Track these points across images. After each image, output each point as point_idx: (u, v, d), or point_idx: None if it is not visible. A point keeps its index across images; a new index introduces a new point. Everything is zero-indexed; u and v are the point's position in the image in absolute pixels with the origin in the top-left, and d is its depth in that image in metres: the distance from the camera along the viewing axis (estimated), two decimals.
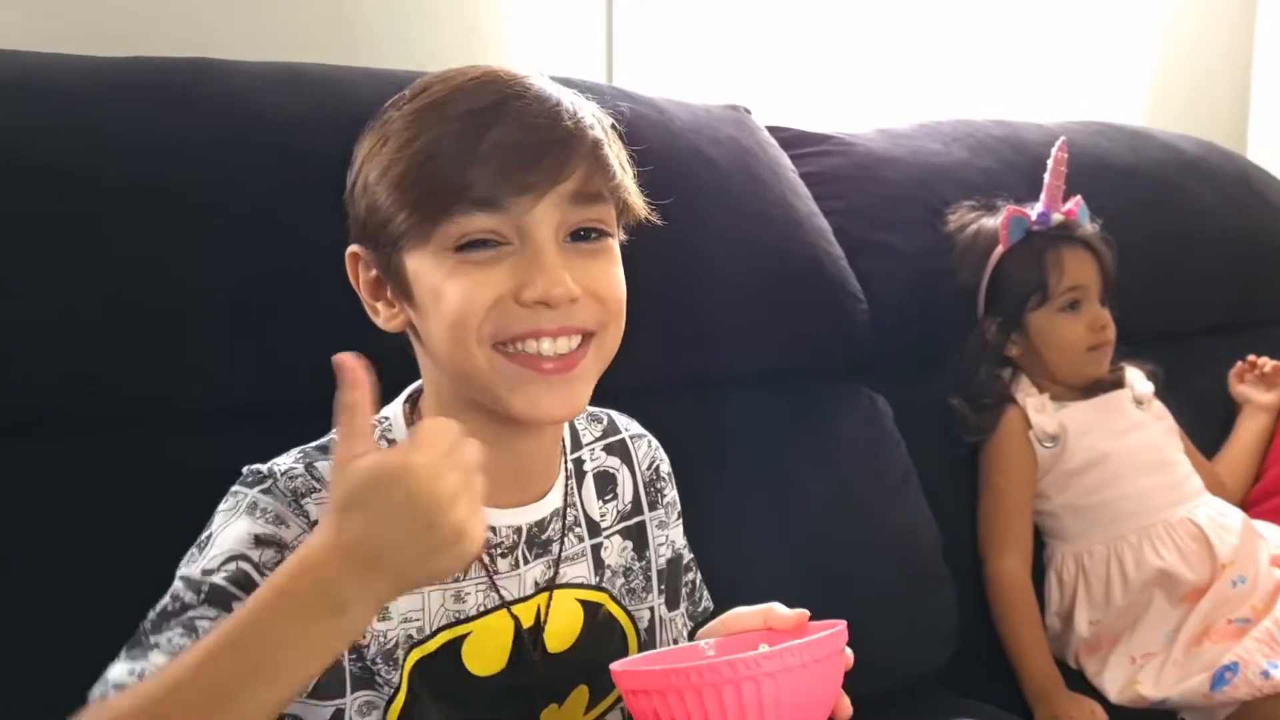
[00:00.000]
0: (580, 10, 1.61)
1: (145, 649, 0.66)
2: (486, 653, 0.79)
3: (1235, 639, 1.27)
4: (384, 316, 0.77)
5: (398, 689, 0.76)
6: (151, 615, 0.69)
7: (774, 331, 1.28)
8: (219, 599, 0.68)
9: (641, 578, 0.89)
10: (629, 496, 0.89)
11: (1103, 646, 1.36)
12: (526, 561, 0.80)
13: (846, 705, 0.75)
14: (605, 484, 0.88)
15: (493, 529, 0.79)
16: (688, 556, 0.97)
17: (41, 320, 0.89)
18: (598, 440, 0.89)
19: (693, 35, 1.71)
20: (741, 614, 0.78)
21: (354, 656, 0.74)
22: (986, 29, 2.00)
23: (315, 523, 0.71)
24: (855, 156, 1.50)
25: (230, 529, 0.71)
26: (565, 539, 0.83)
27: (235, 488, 0.74)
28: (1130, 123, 1.95)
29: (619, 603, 0.87)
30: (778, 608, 0.77)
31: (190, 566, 0.70)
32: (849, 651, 0.74)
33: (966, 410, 1.41)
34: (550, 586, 0.82)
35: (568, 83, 1.09)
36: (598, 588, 0.85)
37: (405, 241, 0.72)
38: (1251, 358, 1.67)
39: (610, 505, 0.88)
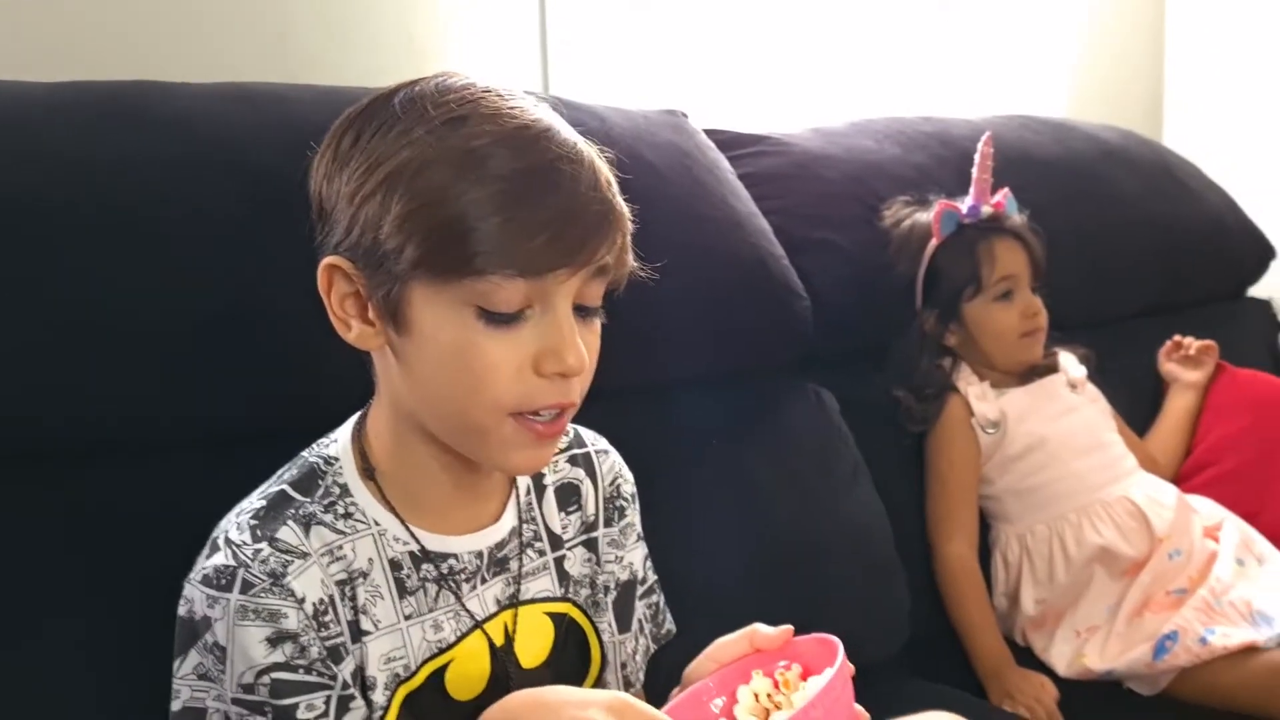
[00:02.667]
0: (515, 21, 1.62)
1: None
2: (468, 678, 0.80)
3: (1174, 609, 1.33)
4: (356, 333, 0.74)
5: (385, 717, 0.77)
6: None
7: (720, 332, 1.29)
8: (283, 714, 0.71)
9: (601, 591, 0.90)
10: (591, 510, 0.89)
11: (1048, 622, 1.41)
12: (485, 581, 0.81)
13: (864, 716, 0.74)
14: (568, 496, 0.88)
15: (456, 556, 0.80)
16: (651, 579, 0.95)
17: None
18: (562, 453, 0.89)
19: (626, 42, 1.73)
20: (726, 643, 0.77)
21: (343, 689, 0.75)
22: (913, 28, 2.04)
23: (304, 598, 0.72)
24: (792, 156, 1.53)
25: (239, 643, 0.71)
26: (524, 556, 0.84)
27: (210, 592, 0.72)
28: (1053, 115, 2.00)
29: (585, 613, 0.88)
30: (761, 628, 0.76)
31: (220, 680, 0.72)
32: (850, 665, 0.73)
33: (910, 401, 1.45)
34: (513, 604, 0.83)
35: None
36: (563, 599, 0.86)
37: (418, 278, 0.70)
38: (1178, 338, 1.73)
39: (574, 516, 0.88)
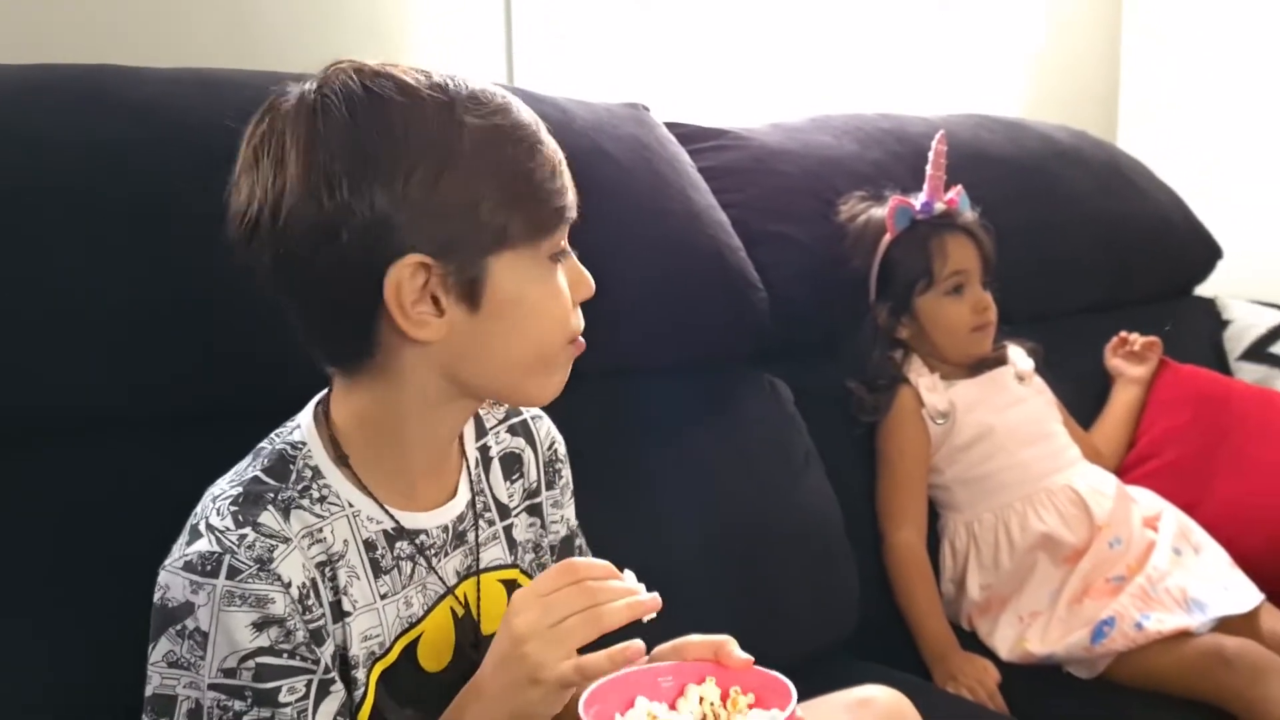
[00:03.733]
0: (480, 13, 1.63)
1: None
2: (437, 648, 0.83)
3: (1112, 595, 1.37)
4: (432, 329, 0.75)
5: (364, 695, 0.79)
6: None
7: (678, 322, 1.32)
8: (264, 698, 0.73)
9: (546, 552, 0.94)
10: (534, 475, 0.93)
11: (993, 608, 1.44)
12: (447, 554, 0.84)
13: None
14: (512, 464, 0.92)
15: (426, 532, 0.83)
16: (579, 536, 1.00)
17: None
18: (501, 423, 0.93)
19: (590, 34, 1.74)
20: (696, 643, 0.80)
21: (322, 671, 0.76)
22: (874, 27, 2.07)
23: (290, 582, 0.74)
24: (751, 150, 1.55)
25: (224, 628, 0.72)
26: (478, 526, 0.87)
27: (194, 578, 0.73)
28: (1008, 115, 2.04)
29: (530, 577, 0.91)
30: (731, 646, 0.79)
31: (194, 667, 0.72)
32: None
33: (863, 392, 1.48)
34: (472, 573, 0.86)
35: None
36: (513, 566, 0.90)
37: (510, 248, 0.76)
38: (1124, 334, 1.77)
39: (517, 485, 0.92)
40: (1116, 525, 1.42)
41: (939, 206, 1.49)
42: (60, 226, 0.93)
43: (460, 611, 0.85)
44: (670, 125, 1.49)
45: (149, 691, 0.75)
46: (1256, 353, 1.93)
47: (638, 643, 0.73)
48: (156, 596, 0.75)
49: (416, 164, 0.72)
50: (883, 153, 1.64)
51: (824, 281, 1.50)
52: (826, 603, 1.36)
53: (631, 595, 0.73)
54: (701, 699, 0.77)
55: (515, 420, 0.94)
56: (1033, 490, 1.46)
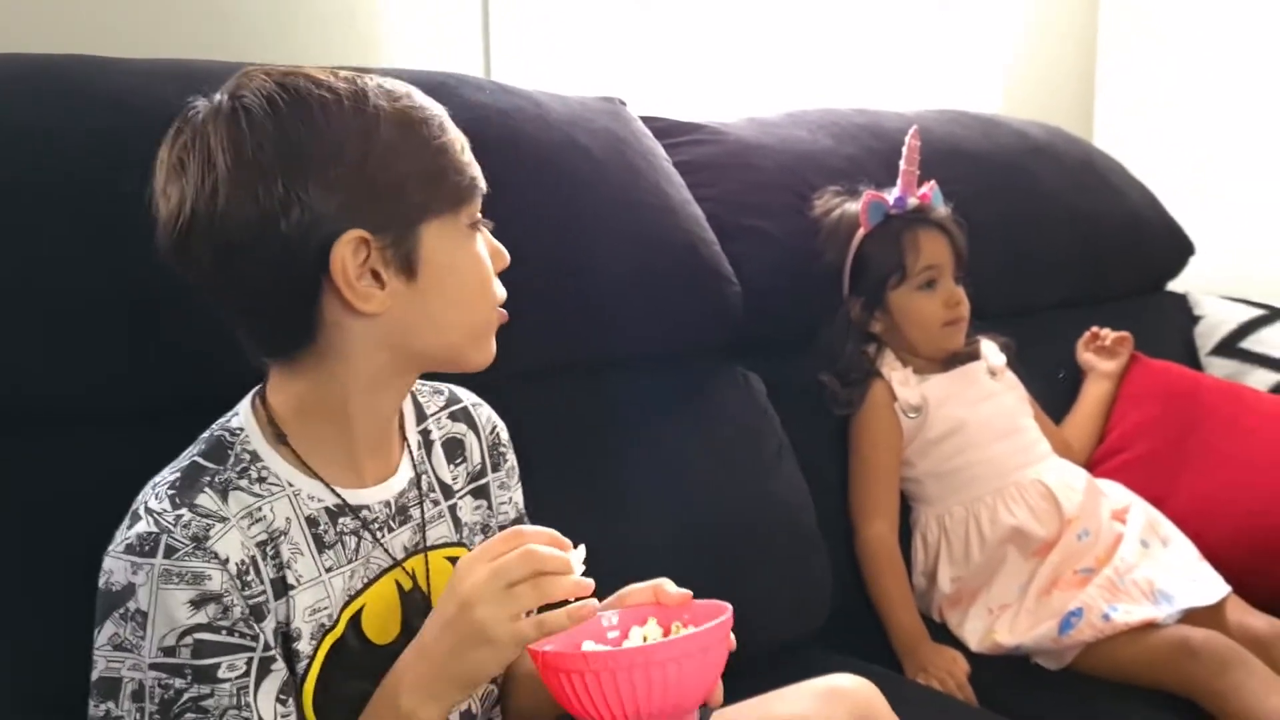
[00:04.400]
0: (458, 5, 1.63)
1: None
2: (383, 620, 0.85)
3: (1080, 587, 1.38)
4: (378, 301, 0.79)
5: (308, 669, 0.81)
6: (146, 708, 0.74)
7: (652, 315, 1.33)
8: (203, 675, 0.75)
9: (495, 534, 0.95)
10: (477, 459, 0.97)
11: (963, 600, 1.46)
12: (392, 529, 0.87)
13: (719, 694, 0.83)
14: (454, 449, 0.96)
15: (369, 507, 0.86)
16: (526, 520, 1.02)
17: None
18: (442, 410, 0.97)
19: (567, 28, 1.74)
20: (634, 590, 0.87)
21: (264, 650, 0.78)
22: (850, 22, 2.08)
23: (227, 559, 0.76)
24: (726, 145, 1.56)
25: (163, 606, 0.74)
26: (424, 504, 0.91)
27: (133, 559, 0.75)
28: (983, 111, 2.06)
29: None
30: (666, 585, 0.86)
31: (137, 648, 0.74)
32: (732, 637, 0.81)
33: (835, 385, 1.49)
34: (420, 550, 0.89)
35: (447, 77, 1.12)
36: (459, 544, 0.93)
37: (434, 218, 0.81)
38: (1095, 329, 1.79)
39: (461, 469, 0.96)
40: (1085, 518, 1.44)
41: (912, 201, 1.51)
42: (33, 217, 0.93)
43: (408, 585, 0.87)
44: (646, 119, 1.50)
45: (94, 676, 0.77)
46: (1227, 348, 1.96)
47: (593, 602, 0.76)
48: (101, 582, 0.77)
49: (342, 150, 0.77)
50: (858, 148, 1.65)
51: (798, 275, 1.50)
52: (798, 594, 1.37)
53: (573, 566, 0.77)
54: (645, 638, 0.82)
55: (456, 407, 0.98)
56: (1003, 484, 1.48)
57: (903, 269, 1.48)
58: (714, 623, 0.78)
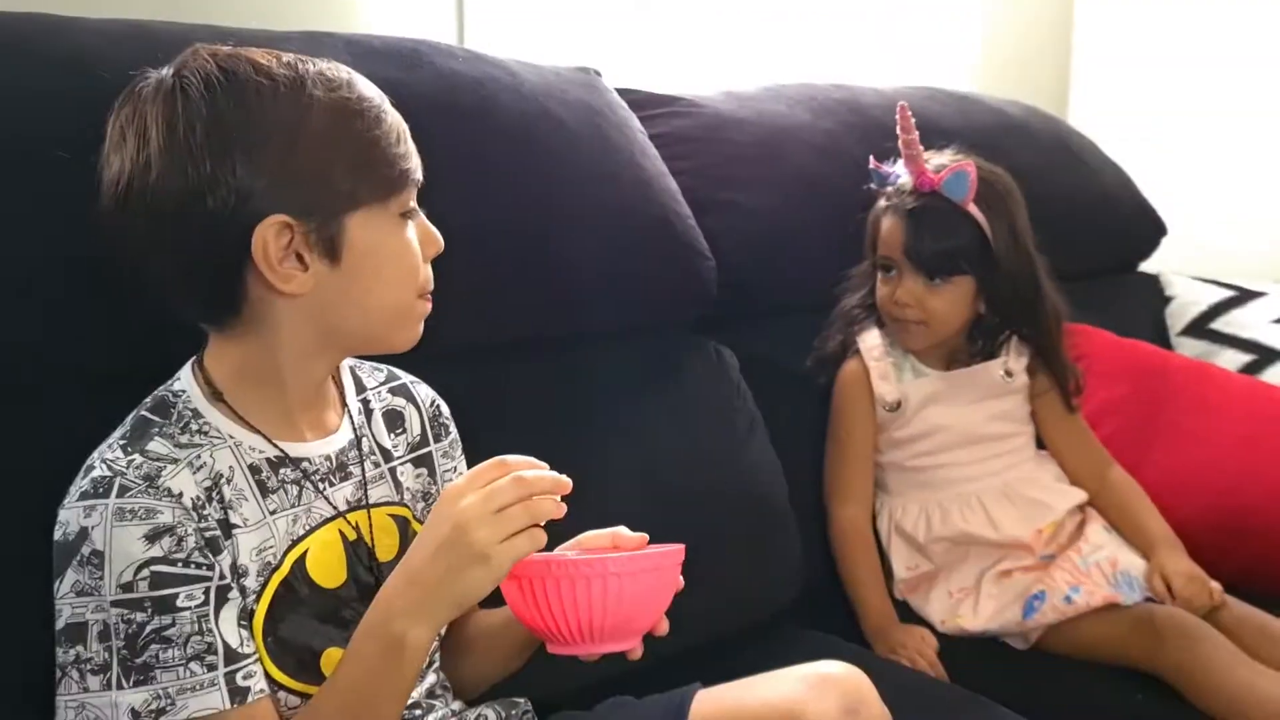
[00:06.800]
0: None
1: (145, 674, 0.77)
2: (328, 565, 0.89)
3: (1043, 569, 1.38)
4: (298, 282, 0.82)
5: (256, 604, 0.84)
6: (113, 645, 0.77)
7: (624, 287, 1.31)
8: (163, 606, 0.78)
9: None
10: (417, 430, 1.01)
11: (921, 586, 1.44)
12: (333, 484, 0.91)
13: (665, 625, 0.89)
14: (394, 420, 1.00)
15: (309, 459, 0.90)
16: None
17: None
18: (382, 384, 1.01)
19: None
20: (592, 535, 0.93)
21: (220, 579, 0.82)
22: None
23: (180, 494, 0.80)
24: (702, 118, 1.55)
25: (118, 543, 0.77)
26: (365, 464, 0.94)
27: (86, 504, 0.79)
28: (960, 88, 2.05)
29: (422, 521, 0.95)
30: (624, 531, 0.93)
31: (97, 589, 0.77)
32: (680, 579, 0.88)
33: (822, 346, 1.47)
34: (363, 505, 0.93)
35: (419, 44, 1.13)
36: (400, 504, 0.97)
37: (362, 207, 0.84)
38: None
39: (400, 438, 0.99)
40: (1051, 542, 1.41)
41: (903, 181, 1.43)
42: None
43: (352, 536, 0.91)
44: (622, 91, 1.48)
45: (60, 625, 0.79)
46: (1197, 329, 1.96)
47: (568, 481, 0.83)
48: (57, 535, 0.80)
49: (271, 136, 0.80)
50: (835, 122, 1.64)
51: (774, 250, 1.49)
52: (769, 570, 1.37)
53: (558, 485, 0.82)
54: None
55: (395, 383, 1.02)
56: (964, 491, 1.44)
57: (874, 248, 1.46)
58: (667, 547, 0.86)
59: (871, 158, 1.46)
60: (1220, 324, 1.94)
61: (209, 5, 1.34)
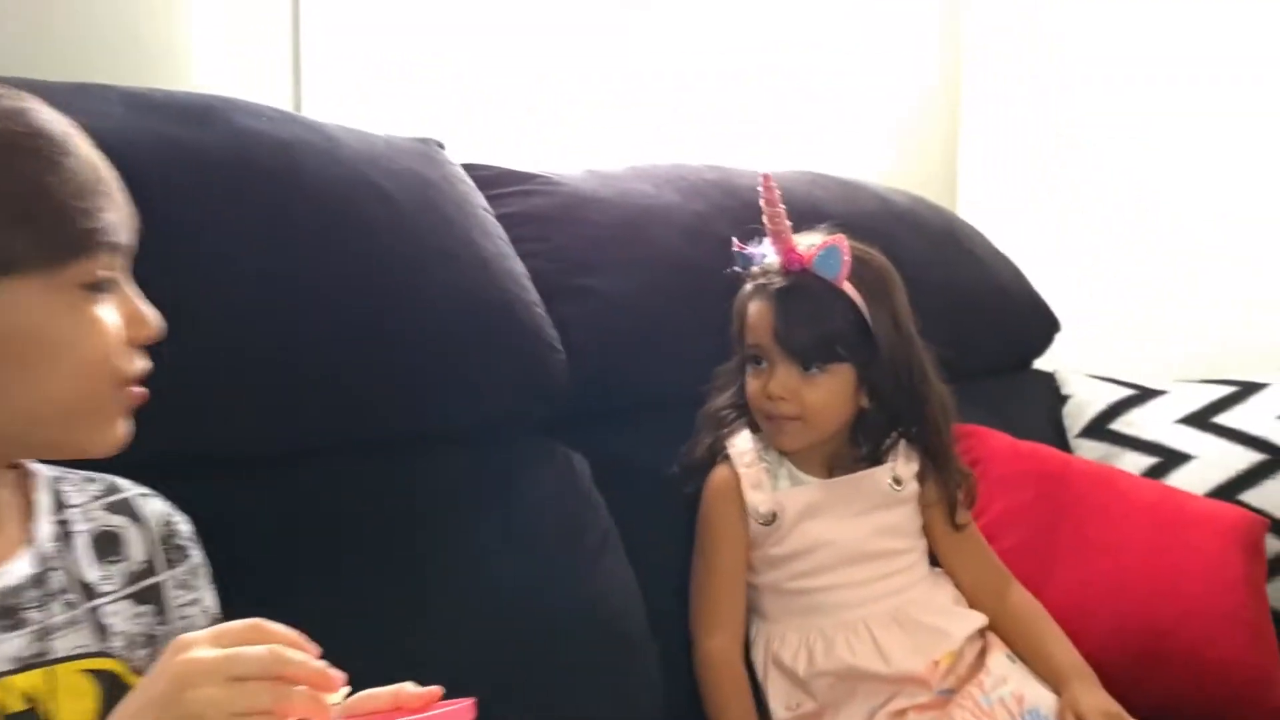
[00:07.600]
0: (267, 35, 1.47)
1: None
2: None
3: (940, 707, 1.22)
4: None
5: None
6: None
7: (458, 384, 1.16)
8: None
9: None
10: (140, 556, 0.82)
11: None
12: None
13: None
14: (107, 545, 0.81)
15: None
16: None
17: None
18: (95, 499, 0.82)
19: (393, 69, 1.60)
20: (371, 694, 0.71)
21: None
22: (709, 81, 1.97)
23: None
24: (560, 197, 1.41)
25: None
26: (49, 607, 0.75)
27: None
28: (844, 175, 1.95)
29: (140, 675, 0.76)
30: (408, 687, 0.71)
31: None
32: None
33: (690, 452, 1.31)
34: (38, 663, 0.72)
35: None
36: (104, 655, 0.77)
37: (26, 274, 0.69)
38: None
39: (115, 567, 0.80)
40: (945, 675, 1.25)
41: (768, 258, 1.28)
42: None
43: (18, 706, 0.71)
44: (471, 167, 1.35)
45: None
46: (1096, 430, 1.86)
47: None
48: None
49: None
50: (707, 204, 1.51)
51: (633, 341, 1.34)
52: (625, 698, 1.19)
53: (325, 681, 0.64)
54: None
55: (114, 498, 0.83)
56: (850, 618, 1.26)
57: (742, 338, 1.29)
58: (457, 703, 0.68)
59: (735, 239, 1.31)
60: (1120, 424, 1.84)
61: (62, 62, 1.20)
